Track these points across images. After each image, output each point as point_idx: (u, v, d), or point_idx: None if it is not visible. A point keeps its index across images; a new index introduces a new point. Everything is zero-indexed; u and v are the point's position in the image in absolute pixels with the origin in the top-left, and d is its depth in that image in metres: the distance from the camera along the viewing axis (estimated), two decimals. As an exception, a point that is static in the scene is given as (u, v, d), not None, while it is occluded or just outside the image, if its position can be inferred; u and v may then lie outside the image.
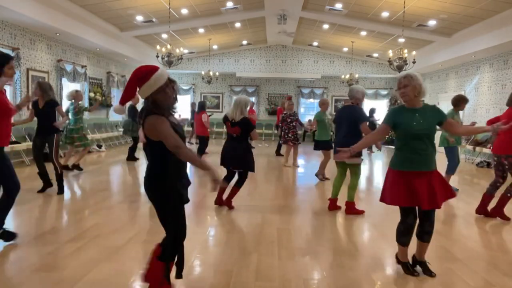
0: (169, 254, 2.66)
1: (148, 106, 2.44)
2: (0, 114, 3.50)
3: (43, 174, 6.04)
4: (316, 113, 8.09)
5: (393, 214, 5.32)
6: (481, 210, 5.32)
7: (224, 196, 5.43)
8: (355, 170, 5.25)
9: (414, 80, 3.12)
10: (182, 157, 2.42)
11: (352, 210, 5.28)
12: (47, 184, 6.07)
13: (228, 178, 5.33)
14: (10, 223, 4.47)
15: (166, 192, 2.52)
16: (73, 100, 8.06)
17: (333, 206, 5.45)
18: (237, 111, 5.13)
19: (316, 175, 7.87)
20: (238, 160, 5.23)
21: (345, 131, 5.15)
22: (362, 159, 5.30)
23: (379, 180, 8.26)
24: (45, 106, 5.82)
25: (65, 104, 9.24)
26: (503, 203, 5.15)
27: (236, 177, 5.43)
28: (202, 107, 9.89)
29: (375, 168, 10.60)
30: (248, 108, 5.27)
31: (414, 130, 3.11)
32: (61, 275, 3.13)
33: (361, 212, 5.29)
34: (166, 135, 2.36)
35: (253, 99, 18.87)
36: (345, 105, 5.51)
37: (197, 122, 9.87)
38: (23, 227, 4.38)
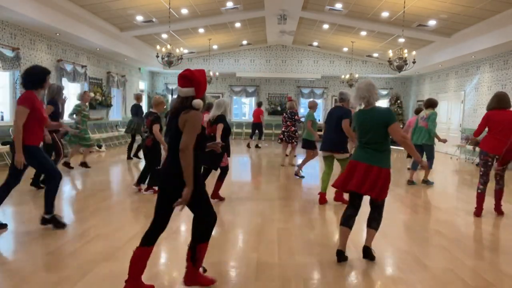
0: (206, 237, 2.95)
1: (186, 104, 2.73)
2: (37, 121, 4.16)
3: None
4: (310, 113, 8.13)
5: (393, 214, 5.32)
6: (481, 211, 5.40)
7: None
8: (345, 164, 5.62)
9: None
10: (185, 157, 2.58)
11: (340, 197, 5.86)
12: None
13: (204, 175, 5.52)
14: (10, 223, 4.47)
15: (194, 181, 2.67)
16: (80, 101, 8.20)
17: (323, 199, 5.83)
18: (217, 112, 5.56)
19: (296, 173, 8.17)
20: (207, 157, 5.27)
21: (332, 128, 5.69)
22: (350, 155, 5.43)
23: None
24: None
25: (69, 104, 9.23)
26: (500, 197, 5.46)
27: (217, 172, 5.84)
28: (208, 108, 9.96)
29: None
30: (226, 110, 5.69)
31: None
32: (61, 275, 3.13)
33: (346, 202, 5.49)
34: (192, 131, 2.61)
35: (253, 99, 18.90)
36: (335, 106, 5.98)
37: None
38: (23, 227, 4.38)
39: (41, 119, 4.20)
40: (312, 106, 8.28)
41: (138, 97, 10.60)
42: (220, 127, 5.51)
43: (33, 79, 4.15)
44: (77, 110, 8.05)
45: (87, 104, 8.34)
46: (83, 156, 8.50)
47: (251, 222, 4.83)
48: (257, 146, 14.31)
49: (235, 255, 3.70)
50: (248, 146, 14.38)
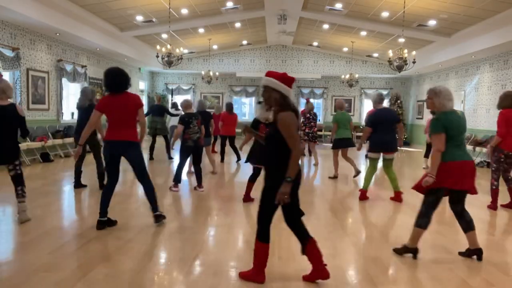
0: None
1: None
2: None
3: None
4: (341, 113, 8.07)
5: (393, 214, 5.32)
6: (496, 205, 5.68)
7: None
8: (390, 163, 6.07)
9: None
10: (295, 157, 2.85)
11: (398, 198, 6.06)
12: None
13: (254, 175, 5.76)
14: (10, 223, 4.47)
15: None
16: None
17: (365, 196, 6.15)
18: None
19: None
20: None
21: (389, 129, 5.92)
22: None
23: (378, 180, 8.27)
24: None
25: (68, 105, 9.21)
26: None
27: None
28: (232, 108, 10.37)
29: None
30: None
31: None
32: (61, 275, 3.13)
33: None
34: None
35: (253, 99, 18.90)
36: (383, 108, 6.18)
37: (231, 122, 10.03)
38: (23, 227, 4.38)
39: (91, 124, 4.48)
40: (342, 107, 8.24)
41: (160, 98, 10.64)
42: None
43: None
44: None
45: None
46: None
47: (251, 222, 4.83)
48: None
49: (235, 255, 3.70)
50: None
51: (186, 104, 6.54)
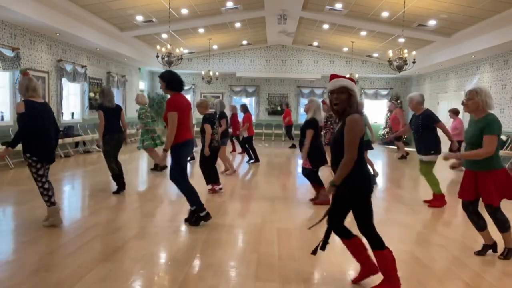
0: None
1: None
2: None
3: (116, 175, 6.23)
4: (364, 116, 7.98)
5: (393, 214, 5.32)
6: None
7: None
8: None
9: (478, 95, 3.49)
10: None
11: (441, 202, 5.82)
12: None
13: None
14: (10, 223, 4.47)
15: None
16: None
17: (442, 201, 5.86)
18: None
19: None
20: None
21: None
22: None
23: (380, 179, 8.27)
24: None
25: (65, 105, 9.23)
26: None
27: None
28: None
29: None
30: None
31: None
32: (61, 275, 3.13)
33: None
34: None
35: (253, 99, 18.91)
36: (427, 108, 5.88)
37: (250, 122, 10.25)
38: (23, 227, 4.38)
39: None
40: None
41: None
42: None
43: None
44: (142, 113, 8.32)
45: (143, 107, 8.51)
46: (154, 158, 8.30)
47: (251, 222, 4.83)
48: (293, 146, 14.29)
49: (235, 255, 3.70)
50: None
51: (206, 105, 6.49)
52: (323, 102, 10.80)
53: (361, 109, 7.93)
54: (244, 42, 16.45)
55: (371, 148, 7.74)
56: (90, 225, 4.46)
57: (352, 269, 3.46)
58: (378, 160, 11.83)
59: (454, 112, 9.61)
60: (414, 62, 9.69)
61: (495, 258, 3.77)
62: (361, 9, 10.61)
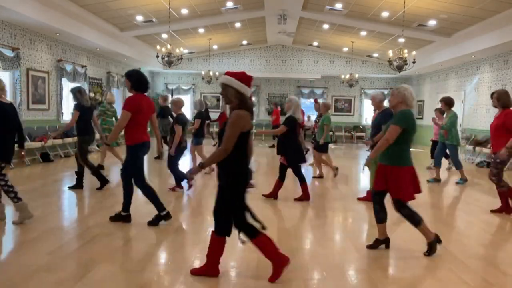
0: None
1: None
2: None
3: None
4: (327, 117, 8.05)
5: (393, 214, 5.32)
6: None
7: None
8: None
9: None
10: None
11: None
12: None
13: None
14: (10, 223, 4.47)
15: None
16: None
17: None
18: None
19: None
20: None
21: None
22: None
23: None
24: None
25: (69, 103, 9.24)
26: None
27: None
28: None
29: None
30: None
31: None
32: (61, 275, 3.13)
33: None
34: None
35: (253, 99, 18.90)
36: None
37: None
38: (23, 226, 4.38)
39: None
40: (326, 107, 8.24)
41: (165, 99, 10.60)
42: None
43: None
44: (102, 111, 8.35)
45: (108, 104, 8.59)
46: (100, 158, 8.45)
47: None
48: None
49: (235, 255, 3.70)
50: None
51: (180, 105, 6.33)
52: (315, 101, 10.90)
53: (327, 109, 8.12)
54: (244, 42, 16.44)
55: (326, 151, 7.97)
56: (90, 225, 4.46)
57: (352, 269, 3.46)
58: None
59: (441, 112, 9.59)
60: (414, 62, 9.68)
61: (495, 258, 3.77)
62: (361, 9, 10.60)
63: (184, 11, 11.12)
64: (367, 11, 10.71)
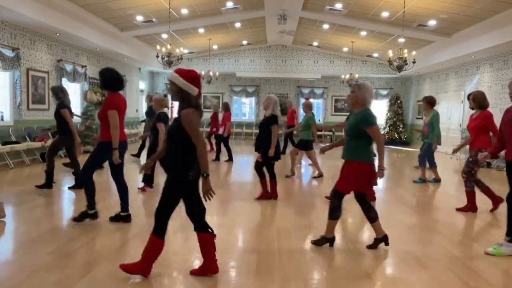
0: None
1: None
2: None
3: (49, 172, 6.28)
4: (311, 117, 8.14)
5: (393, 214, 5.32)
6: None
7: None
8: None
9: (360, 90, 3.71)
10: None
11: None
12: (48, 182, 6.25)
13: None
14: (10, 223, 4.47)
15: None
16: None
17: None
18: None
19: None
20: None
21: None
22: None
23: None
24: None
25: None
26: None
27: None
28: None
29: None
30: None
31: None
32: (61, 275, 3.13)
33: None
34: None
35: (253, 99, 18.90)
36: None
37: (229, 121, 10.21)
38: (23, 226, 4.38)
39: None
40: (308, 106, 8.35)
41: (151, 98, 10.61)
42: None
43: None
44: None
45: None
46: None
47: (251, 222, 4.83)
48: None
49: (235, 255, 3.70)
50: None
51: (163, 103, 6.21)
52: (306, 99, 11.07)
53: (309, 109, 8.20)
54: (244, 42, 16.44)
55: (311, 149, 7.98)
56: (90, 225, 4.46)
57: (352, 269, 3.46)
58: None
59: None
60: (414, 62, 9.68)
61: (495, 259, 3.76)
62: (361, 9, 10.61)
63: (184, 11, 11.12)
64: (367, 11, 10.71)
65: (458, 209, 5.53)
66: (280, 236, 4.24)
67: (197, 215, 3.15)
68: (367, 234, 4.54)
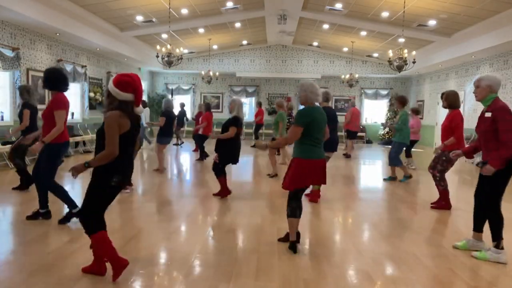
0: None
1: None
2: None
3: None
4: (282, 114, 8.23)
5: (393, 214, 5.32)
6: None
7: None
8: None
9: None
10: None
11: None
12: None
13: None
14: (10, 223, 4.47)
15: None
16: None
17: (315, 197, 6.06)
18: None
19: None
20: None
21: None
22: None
23: (375, 180, 8.27)
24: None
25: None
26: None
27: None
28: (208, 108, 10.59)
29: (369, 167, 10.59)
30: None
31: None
32: (61, 275, 3.13)
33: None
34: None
35: (253, 99, 18.90)
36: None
37: (209, 122, 10.20)
38: (23, 226, 4.38)
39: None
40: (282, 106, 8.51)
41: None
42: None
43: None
44: None
45: None
46: None
47: (251, 222, 4.83)
48: None
49: (235, 255, 3.70)
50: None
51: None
52: (289, 98, 11.47)
53: (280, 107, 8.32)
54: (244, 42, 16.44)
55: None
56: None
57: (352, 269, 3.47)
58: (378, 160, 11.83)
59: (413, 111, 9.81)
60: (414, 62, 9.69)
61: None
62: (361, 9, 10.61)
63: (184, 11, 11.12)
64: (367, 11, 10.71)
65: (433, 207, 5.74)
66: (280, 236, 4.24)
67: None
68: (367, 234, 4.55)
